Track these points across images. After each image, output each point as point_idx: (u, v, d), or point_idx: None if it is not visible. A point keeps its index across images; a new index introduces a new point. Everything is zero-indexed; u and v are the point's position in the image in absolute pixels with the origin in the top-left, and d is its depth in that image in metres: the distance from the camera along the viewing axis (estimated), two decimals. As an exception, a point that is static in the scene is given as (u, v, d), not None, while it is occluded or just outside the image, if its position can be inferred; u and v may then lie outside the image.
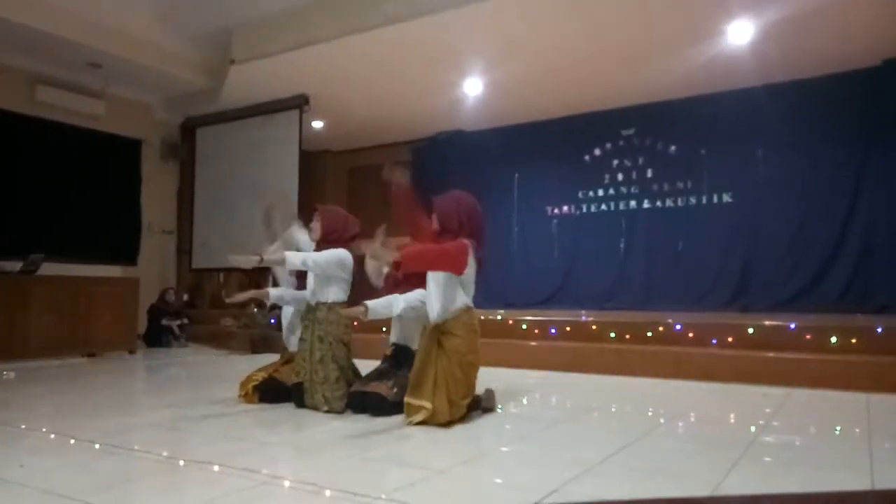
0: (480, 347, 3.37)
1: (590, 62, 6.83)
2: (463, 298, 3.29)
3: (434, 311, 3.27)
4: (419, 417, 3.11)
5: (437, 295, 3.25)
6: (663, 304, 7.31)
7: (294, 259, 3.55)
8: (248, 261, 3.47)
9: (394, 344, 3.71)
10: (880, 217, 6.63)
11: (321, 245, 3.71)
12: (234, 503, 2.04)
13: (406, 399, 3.20)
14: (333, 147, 10.24)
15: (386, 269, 3.65)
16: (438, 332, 3.25)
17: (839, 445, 2.86)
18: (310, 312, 3.70)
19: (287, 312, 4.11)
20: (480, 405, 3.49)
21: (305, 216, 3.99)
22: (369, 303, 3.34)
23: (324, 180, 10.19)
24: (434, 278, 3.28)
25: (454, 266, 3.23)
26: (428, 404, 3.10)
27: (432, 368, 3.17)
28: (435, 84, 7.46)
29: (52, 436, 2.96)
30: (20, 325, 5.99)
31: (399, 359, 3.57)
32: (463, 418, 3.24)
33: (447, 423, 3.11)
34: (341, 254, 3.66)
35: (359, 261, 3.72)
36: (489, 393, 3.65)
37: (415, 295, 3.47)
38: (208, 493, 2.12)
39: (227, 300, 3.77)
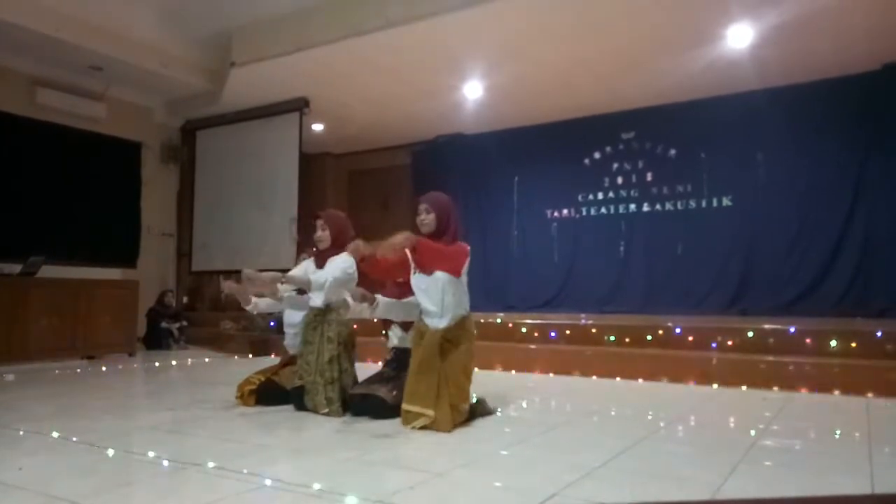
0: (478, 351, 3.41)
1: (589, 66, 6.84)
2: (467, 303, 3.33)
3: (435, 313, 3.26)
4: (420, 423, 3.10)
5: (448, 296, 3.25)
6: (663, 308, 7.30)
7: (316, 283, 3.67)
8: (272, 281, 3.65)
9: (394, 348, 3.71)
10: (880, 221, 6.63)
11: (331, 251, 3.76)
12: (233, 506, 2.04)
13: (404, 406, 3.18)
14: (333, 150, 10.25)
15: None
16: (443, 340, 3.21)
17: (839, 449, 2.86)
18: (318, 314, 3.71)
19: (289, 314, 4.13)
20: (478, 413, 3.48)
21: (305, 223, 4.00)
22: (381, 300, 3.37)
23: (324, 183, 10.20)
24: (443, 281, 3.25)
25: (458, 268, 3.26)
26: (430, 412, 3.08)
27: (434, 376, 3.13)
28: (435, 87, 7.47)
29: (51, 438, 2.95)
30: (20, 328, 5.98)
31: (400, 363, 3.56)
32: (464, 422, 3.23)
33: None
34: (346, 263, 3.66)
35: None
36: (482, 401, 3.63)
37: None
38: (207, 495, 2.12)
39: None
